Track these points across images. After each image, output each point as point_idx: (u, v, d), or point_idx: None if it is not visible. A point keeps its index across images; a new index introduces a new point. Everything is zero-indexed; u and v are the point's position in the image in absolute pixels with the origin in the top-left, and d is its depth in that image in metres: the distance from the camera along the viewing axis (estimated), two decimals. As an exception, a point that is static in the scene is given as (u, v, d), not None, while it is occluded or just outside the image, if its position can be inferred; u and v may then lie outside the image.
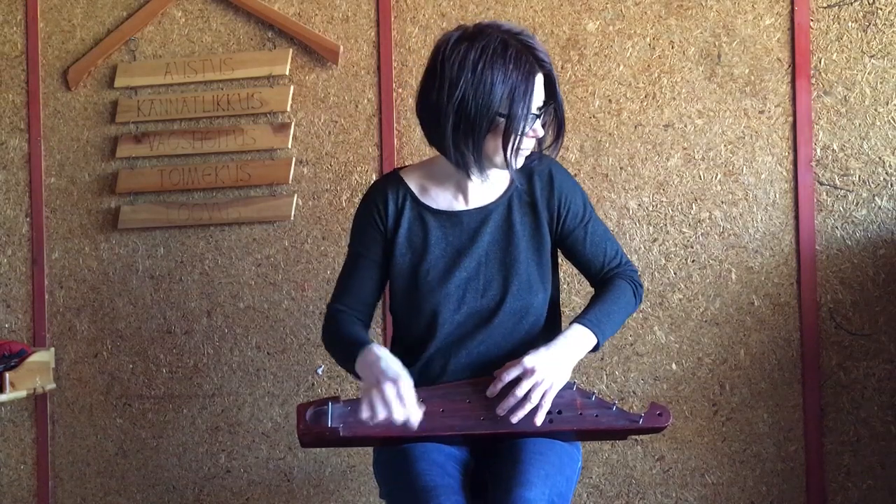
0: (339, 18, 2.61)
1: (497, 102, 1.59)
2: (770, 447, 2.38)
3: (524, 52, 1.61)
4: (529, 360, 1.58)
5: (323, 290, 2.60)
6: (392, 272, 1.75)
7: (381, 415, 1.54)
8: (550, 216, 1.74)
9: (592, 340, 1.66)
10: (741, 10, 2.40)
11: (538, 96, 1.64)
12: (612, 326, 1.70)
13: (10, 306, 2.77)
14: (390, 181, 1.78)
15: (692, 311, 2.42)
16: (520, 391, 1.58)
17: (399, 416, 1.54)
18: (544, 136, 1.70)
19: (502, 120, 1.60)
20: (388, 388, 1.54)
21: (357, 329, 1.74)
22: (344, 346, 1.71)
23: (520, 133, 1.61)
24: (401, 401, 1.54)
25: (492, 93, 1.58)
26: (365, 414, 1.56)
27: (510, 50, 1.60)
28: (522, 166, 1.71)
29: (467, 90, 1.59)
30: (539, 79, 1.63)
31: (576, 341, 1.64)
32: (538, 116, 1.64)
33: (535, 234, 1.73)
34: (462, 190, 1.74)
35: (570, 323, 1.67)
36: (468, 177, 1.70)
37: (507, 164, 1.64)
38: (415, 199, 1.75)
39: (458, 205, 1.74)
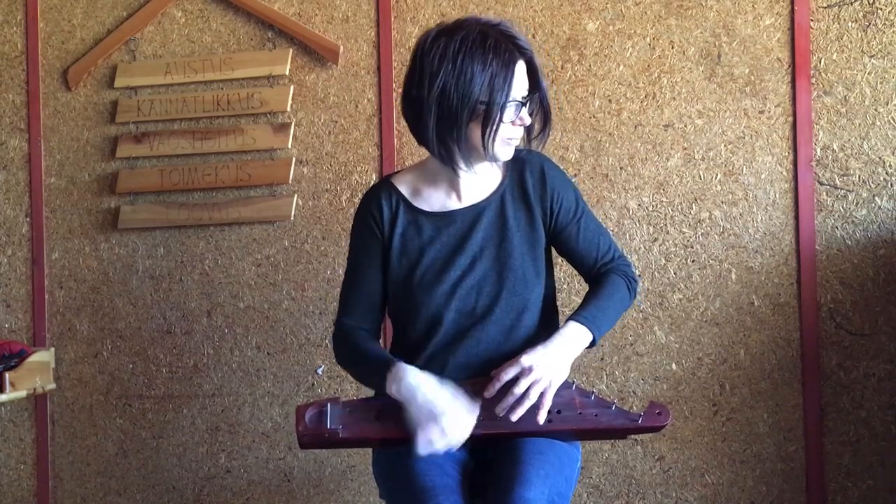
0: (339, 18, 2.61)
1: (478, 90, 1.59)
2: (770, 447, 2.38)
3: (504, 41, 1.62)
4: (527, 359, 1.59)
5: (323, 289, 2.60)
6: (389, 277, 1.75)
7: (442, 446, 1.55)
8: (543, 212, 1.74)
9: (588, 337, 1.66)
10: (741, 10, 2.40)
11: (521, 84, 1.64)
12: (607, 322, 1.71)
13: (10, 306, 2.77)
14: (382, 188, 1.78)
15: (692, 311, 2.42)
16: (518, 389, 1.58)
17: (457, 442, 1.56)
18: (531, 126, 1.70)
19: (483, 107, 1.61)
20: (446, 420, 1.54)
21: (373, 346, 1.74)
22: (365, 364, 1.70)
23: (502, 120, 1.62)
24: (456, 430, 1.55)
25: (472, 81, 1.59)
26: (425, 448, 1.55)
27: (489, 40, 1.61)
28: (512, 160, 1.72)
29: (448, 81, 1.60)
30: (521, 66, 1.63)
31: (572, 338, 1.64)
32: (523, 105, 1.64)
33: (529, 229, 1.73)
34: (455, 188, 1.74)
35: (566, 320, 1.68)
36: (455, 171, 1.69)
37: (489, 152, 1.63)
38: (407, 204, 1.75)
39: (452, 203, 1.74)
